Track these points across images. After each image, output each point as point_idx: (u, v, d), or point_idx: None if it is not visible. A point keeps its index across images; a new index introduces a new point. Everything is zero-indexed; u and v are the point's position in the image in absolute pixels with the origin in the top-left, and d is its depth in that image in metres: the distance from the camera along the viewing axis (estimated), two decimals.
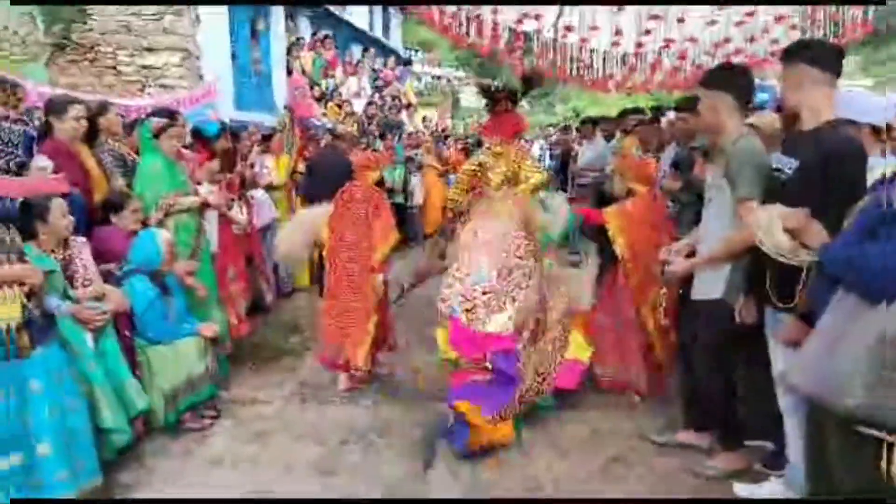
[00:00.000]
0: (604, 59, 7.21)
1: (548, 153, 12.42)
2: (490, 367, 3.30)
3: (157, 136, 3.92)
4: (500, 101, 4.32)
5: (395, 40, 18.55)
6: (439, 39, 28.20)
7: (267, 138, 6.59)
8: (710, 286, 2.95)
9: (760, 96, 9.20)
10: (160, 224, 3.82)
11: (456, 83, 23.29)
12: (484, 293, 3.46)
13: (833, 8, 5.02)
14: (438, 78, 21.78)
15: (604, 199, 4.62)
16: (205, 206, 4.18)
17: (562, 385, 3.66)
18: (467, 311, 3.43)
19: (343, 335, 3.98)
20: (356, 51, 14.40)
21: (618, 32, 5.92)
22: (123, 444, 3.06)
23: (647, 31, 5.75)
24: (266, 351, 4.86)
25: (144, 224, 3.76)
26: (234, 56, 9.12)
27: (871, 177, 2.19)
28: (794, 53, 2.52)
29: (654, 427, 3.53)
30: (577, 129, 8.79)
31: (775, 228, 2.12)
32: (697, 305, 3.03)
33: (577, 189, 8.14)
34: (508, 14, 5.16)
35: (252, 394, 4.08)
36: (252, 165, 5.75)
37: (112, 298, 3.25)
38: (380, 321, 4.04)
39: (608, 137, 7.85)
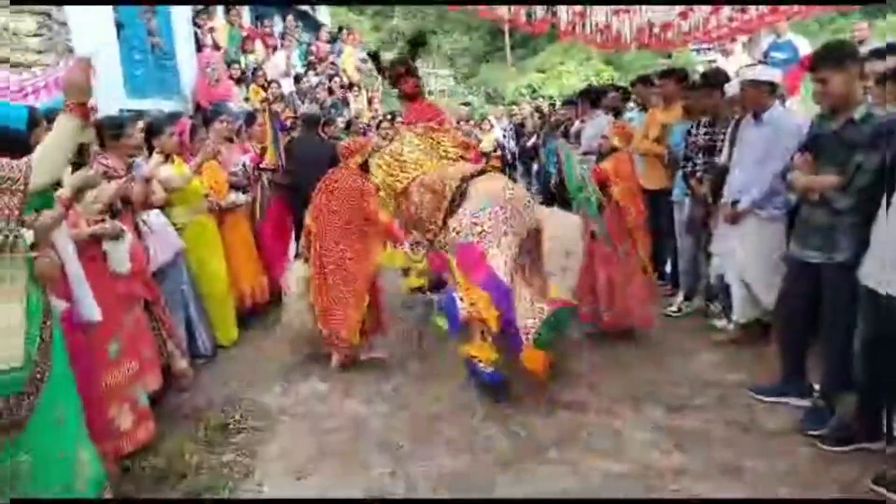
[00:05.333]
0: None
1: (512, 135, 10.69)
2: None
3: None
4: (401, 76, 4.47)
5: (324, 16, 16.14)
6: (360, 20, 25.52)
7: (153, 132, 4.20)
8: None
9: (776, 55, 7.70)
10: None
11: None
12: (489, 219, 3.59)
13: None
14: (364, 61, 19.78)
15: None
16: None
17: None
18: (479, 234, 3.56)
19: (336, 317, 4.05)
20: (278, 22, 12.05)
21: None
22: None
23: None
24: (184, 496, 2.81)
25: None
26: (120, 26, 6.89)
27: None
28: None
29: None
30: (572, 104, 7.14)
31: None
32: None
33: None
34: None
35: None
36: (147, 180, 3.75)
37: None
38: (371, 303, 4.14)
39: (615, 112, 6.22)
